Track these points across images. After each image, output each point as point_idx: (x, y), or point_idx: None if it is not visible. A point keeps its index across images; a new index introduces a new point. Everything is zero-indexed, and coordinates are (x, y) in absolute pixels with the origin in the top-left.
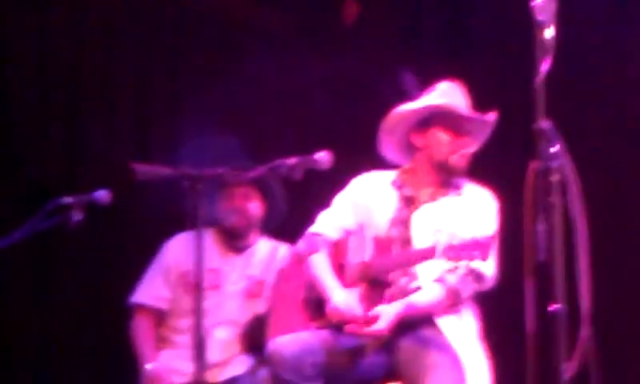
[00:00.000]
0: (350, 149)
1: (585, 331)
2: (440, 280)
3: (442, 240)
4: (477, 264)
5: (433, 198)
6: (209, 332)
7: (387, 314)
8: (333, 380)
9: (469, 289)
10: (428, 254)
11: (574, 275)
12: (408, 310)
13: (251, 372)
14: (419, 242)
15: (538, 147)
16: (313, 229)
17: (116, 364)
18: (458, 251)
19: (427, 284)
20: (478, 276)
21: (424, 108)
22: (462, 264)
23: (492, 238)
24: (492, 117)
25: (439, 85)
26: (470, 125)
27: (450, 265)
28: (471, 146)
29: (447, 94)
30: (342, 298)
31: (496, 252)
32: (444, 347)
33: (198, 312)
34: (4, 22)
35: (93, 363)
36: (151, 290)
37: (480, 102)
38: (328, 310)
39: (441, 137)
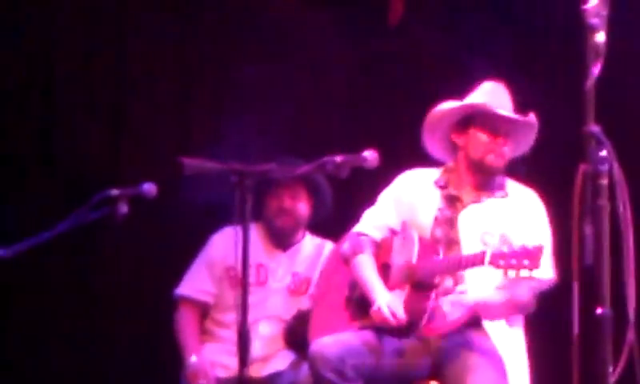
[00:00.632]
0: (395, 147)
1: (630, 335)
2: (511, 289)
3: (492, 246)
4: (535, 273)
5: (478, 199)
6: (252, 327)
7: (462, 305)
8: (374, 380)
9: (532, 300)
10: (476, 261)
11: (621, 279)
12: (478, 308)
13: (293, 368)
14: (466, 243)
15: (587, 150)
16: (357, 228)
17: (159, 356)
18: (508, 259)
19: (494, 291)
20: (540, 288)
21: (460, 107)
22: (511, 273)
23: (543, 247)
24: (531, 119)
25: (483, 84)
26: (509, 126)
27: (498, 272)
28: (509, 147)
29: (489, 94)
30: (387, 301)
31: (553, 254)
32: (487, 349)
33: (242, 307)
34: (51, 20)
35: (136, 355)
36: (196, 283)
37: (527, 106)
38: (372, 311)
39: (479, 137)
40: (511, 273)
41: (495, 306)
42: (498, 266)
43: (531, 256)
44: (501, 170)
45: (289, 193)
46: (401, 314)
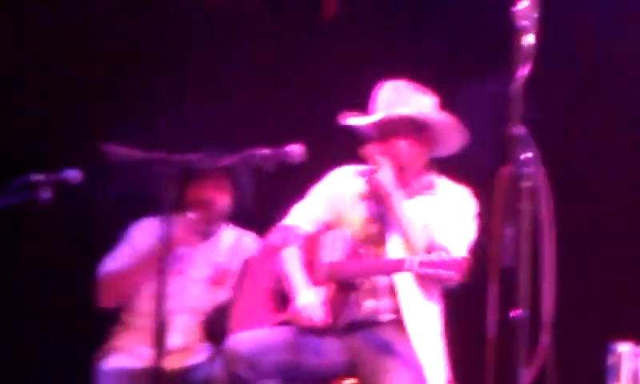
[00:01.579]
0: (324, 142)
1: (545, 338)
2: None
3: (417, 257)
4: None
5: (409, 197)
6: (171, 317)
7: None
8: (291, 378)
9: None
10: (398, 267)
11: (539, 282)
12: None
13: (210, 361)
14: (391, 241)
15: (510, 153)
16: (288, 221)
17: (79, 341)
18: (431, 268)
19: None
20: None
21: (368, 125)
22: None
23: (468, 259)
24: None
25: (383, 89)
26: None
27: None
28: (433, 147)
29: (392, 102)
30: (307, 302)
31: (470, 250)
32: (405, 349)
33: (160, 297)
34: None
35: (57, 339)
36: (118, 263)
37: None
38: (291, 310)
39: (399, 145)
40: (432, 280)
41: (436, 263)
42: (425, 274)
43: (456, 266)
44: (421, 172)
45: (211, 184)
46: (318, 318)
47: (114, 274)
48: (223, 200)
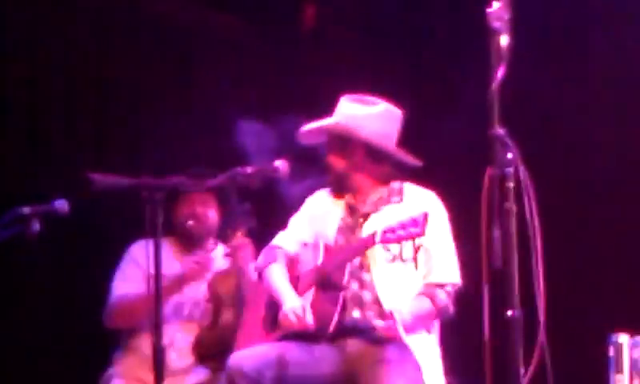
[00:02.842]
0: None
1: (541, 336)
2: (430, 296)
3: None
4: (443, 277)
5: (375, 208)
6: (169, 338)
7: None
8: None
9: (450, 304)
10: (369, 242)
11: (530, 281)
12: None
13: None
14: (371, 252)
15: (493, 154)
16: (272, 243)
17: (80, 371)
18: (396, 231)
19: (418, 297)
20: (452, 292)
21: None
22: (406, 244)
23: (427, 213)
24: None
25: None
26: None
27: (394, 248)
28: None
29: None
30: (293, 305)
31: (458, 256)
32: (404, 358)
33: (156, 321)
34: None
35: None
36: (129, 284)
37: (437, 106)
38: (279, 317)
39: (330, 159)
40: (406, 244)
41: (424, 315)
42: (389, 241)
43: (417, 223)
44: (341, 178)
45: (200, 199)
46: (307, 317)
47: (131, 298)
48: (212, 215)
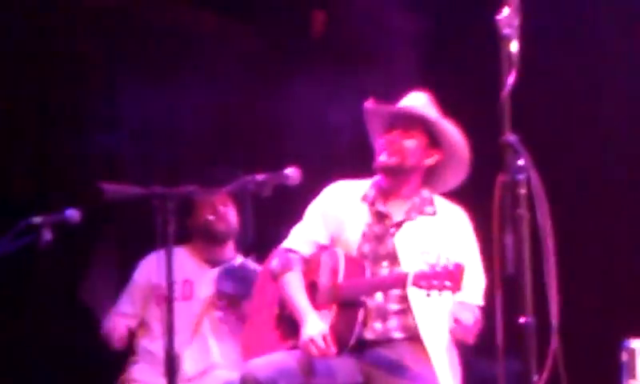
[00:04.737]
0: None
1: (554, 343)
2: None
3: (413, 268)
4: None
5: (409, 216)
6: (183, 345)
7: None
8: None
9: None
10: (400, 282)
11: (543, 287)
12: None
13: None
14: (406, 263)
15: (504, 160)
16: (286, 244)
17: (94, 379)
18: (430, 280)
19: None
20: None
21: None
22: (434, 293)
23: (463, 266)
24: (412, 109)
25: (413, 93)
26: (392, 119)
27: (422, 293)
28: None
29: (417, 102)
30: (313, 334)
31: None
32: (417, 366)
33: (169, 328)
34: None
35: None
36: (118, 307)
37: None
38: (301, 343)
39: (378, 143)
40: (434, 293)
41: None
42: (420, 287)
43: (453, 277)
44: (401, 168)
45: (219, 199)
46: (326, 350)
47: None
48: (232, 214)
